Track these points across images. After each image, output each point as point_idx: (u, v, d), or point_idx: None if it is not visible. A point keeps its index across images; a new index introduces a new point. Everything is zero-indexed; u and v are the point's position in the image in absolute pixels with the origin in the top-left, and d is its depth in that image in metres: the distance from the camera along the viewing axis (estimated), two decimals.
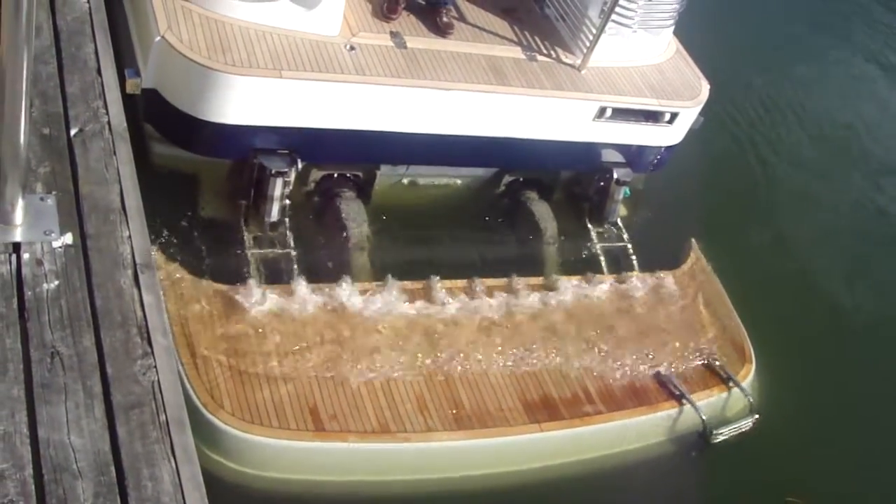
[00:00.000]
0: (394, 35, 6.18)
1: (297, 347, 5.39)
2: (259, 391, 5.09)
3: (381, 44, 6.08)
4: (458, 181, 6.74)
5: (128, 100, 4.60)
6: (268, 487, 4.93)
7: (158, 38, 5.42)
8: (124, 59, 5.50)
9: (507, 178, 6.89)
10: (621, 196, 6.98)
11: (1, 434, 2.99)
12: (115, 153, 3.85)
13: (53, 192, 3.67)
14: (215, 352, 5.16)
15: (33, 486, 2.91)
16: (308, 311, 5.59)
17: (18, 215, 3.48)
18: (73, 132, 3.88)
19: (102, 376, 3.26)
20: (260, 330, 5.40)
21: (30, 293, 3.38)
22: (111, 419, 3.16)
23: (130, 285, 3.51)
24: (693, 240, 7.19)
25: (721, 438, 5.95)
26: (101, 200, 3.71)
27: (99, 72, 4.14)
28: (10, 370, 3.16)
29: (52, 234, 3.53)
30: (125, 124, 4.01)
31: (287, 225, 6.07)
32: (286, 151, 5.90)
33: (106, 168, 3.81)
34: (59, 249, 3.52)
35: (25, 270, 3.42)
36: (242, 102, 5.58)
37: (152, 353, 3.35)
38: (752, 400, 6.15)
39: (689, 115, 6.86)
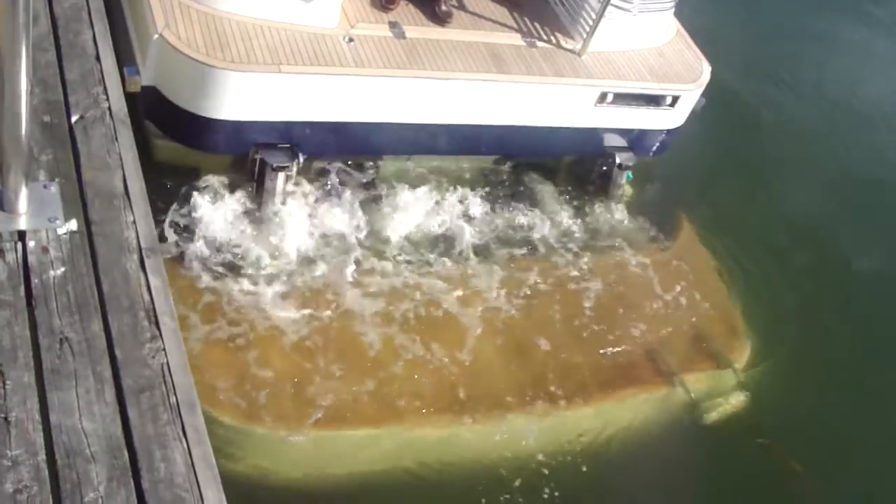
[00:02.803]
0: (392, 25, 6.16)
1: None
2: (255, 382, 5.10)
3: (380, 34, 6.06)
4: (465, 165, 6.75)
5: (128, 98, 4.57)
6: (265, 480, 4.89)
7: (156, 35, 5.41)
8: (123, 57, 5.49)
9: (509, 164, 6.89)
10: (624, 180, 6.98)
11: (13, 421, 2.98)
12: (116, 139, 3.84)
13: (56, 180, 3.65)
14: (209, 344, 5.18)
15: (47, 472, 2.90)
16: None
17: (22, 203, 3.46)
18: (74, 119, 3.87)
19: (112, 361, 3.24)
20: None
21: (36, 280, 3.36)
22: (122, 403, 3.15)
23: (136, 269, 3.49)
24: (686, 218, 7.23)
25: (711, 417, 5.92)
26: (104, 186, 3.69)
27: (98, 58, 4.12)
28: (19, 357, 3.15)
29: (57, 221, 3.51)
30: (126, 110, 4.00)
31: None
32: (287, 145, 5.90)
33: (108, 154, 3.79)
34: (65, 236, 3.50)
35: (31, 258, 3.41)
36: (242, 98, 5.57)
37: (161, 336, 3.34)
38: (742, 378, 6.14)
39: (690, 98, 6.83)
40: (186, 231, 5.73)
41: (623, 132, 6.85)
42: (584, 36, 6.52)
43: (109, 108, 3.94)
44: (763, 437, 5.82)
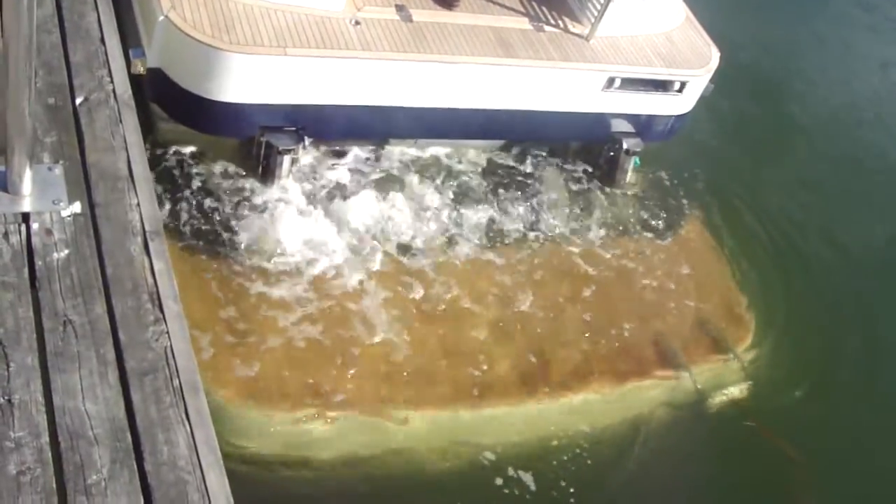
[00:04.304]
0: (399, 9, 6.13)
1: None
2: (258, 366, 5.12)
3: (387, 18, 6.04)
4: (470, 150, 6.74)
5: (133, 80, 4.57)
6: (267, 464, 4.92)
7: (162, 17, 5.40)
8: (129, 39, 5.47)
9: (516, 149, 6.87)
10: (631, 166, 6.95)
11: (17, 403, 2.97)
12: (121, 121, 3.82)
13: (61, 162, 3.64)
14: (214, 326, 5.20)
15: (50, 454, 2.89)
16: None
17: (27, 186, 3.44)
18: (78, 101, 3.85)
19: (115, 343, 3.23)
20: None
21: (40, 263, 3.35)
22: (125, 385, 3.14)
23: (140, 252, 3.48)
24: (693, 205, 7.22)
25: (715, 405, 5.94)
26: (108, 168, 3.67)
27: (102, 40, 4.10)
28: (23, 339, 3.14)
29: (61, 204, 3.50)
30: (130, 92, 3.97)
31: None
32: (293, 129, 5.89)
33: (112, 136, 3.77)
34: (68, 218, 3.49)
35: (35, 240, 3.40)
36: (248, 81, 5.56)
37: (164, 319, 3.32)
38: (746, 366, 6.16)
39: (699, 83, 6.80)
40: (191, 214, 5.73)
41: (630, 117, 6.82)
42: (593, 20, 6.48)
43: (114, 91, 3.92)
44: (753, 419, 5.86)
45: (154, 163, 4.35)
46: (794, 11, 10.18)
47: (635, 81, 6.54)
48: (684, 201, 7.25)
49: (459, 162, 6.68)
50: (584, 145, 7.06)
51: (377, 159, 6.42)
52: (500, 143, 6.84)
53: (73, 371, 3.12)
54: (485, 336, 5.75)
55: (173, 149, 5.93)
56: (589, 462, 5.38)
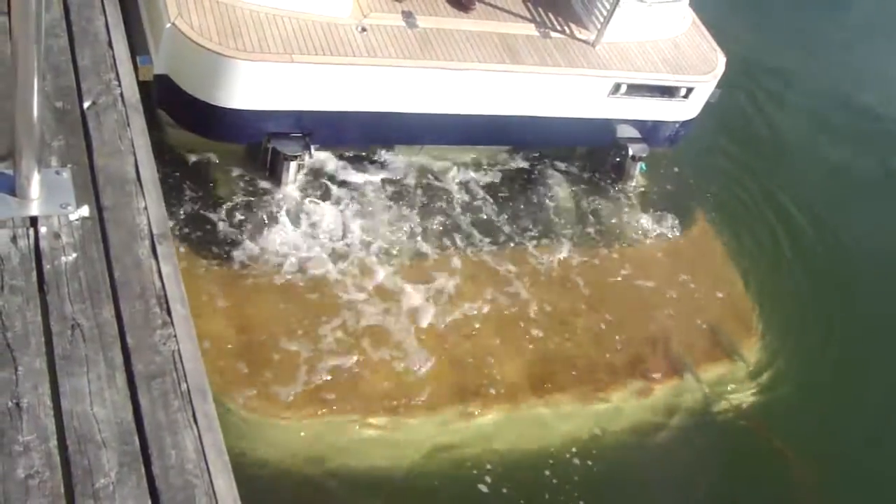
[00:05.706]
0: (406, 15, 6.15)
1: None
2: (265, 371, 5.12)
3: (393, 24, 6.05)
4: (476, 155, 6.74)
5: (140, 86, 4.57)
6: (275, 468, 4.90)
7: (169, 24, 5.42)
8: (136, 46, 5.49)
9: (522, 155, 6.87)
10: (637, 171, 6.96)
11: (25, 406, 2.95)
12: (128, 125, 3.81)
13: (68, 166, 3.62)
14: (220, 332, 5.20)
15: (58, 458, 2.87)
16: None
17: (34, 189, 3.43)
18: (86, 105, 3.84)
19: (123, 347, 3.21)
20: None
21: (48, 266, 3.34)
22: (133, 389, 3.12)
23: (148, 256, 3.46)
24: (700, 210, 7.23)
25: (722, 410, 5.93)
26: (116, 172, 3.66)
27: (110, 44, 4.09)
28: (31, 343, 3.12)
29: (69, 207, 3.48)
30: (138, 96, 3.96)
31: None
32: (299, 135, 5.90)
33: (120, 140, 3.76)
34: (76, 222, 3.47)
35: (43, 244, 3.38)
36: (254, 87, 5.57)
37: (172, 322, 3.30)
38: (753, 370, 6.14)
39: (705, 89, 6.80)
40: (197, 220, 5.73)
41: (637, 123, 6.82)
42: (599, 26, 6.49)
43: (121, 95, 3.91)
44: (750, 420, 5.85)
45: (160, 169, 4.36)
46: (801, 15, 10.19)
47: (641, 87, 6.55)
48: (691, 205, 7.26)
49: (465, 168, 6.69)
50: (590, 151, 7.06)
51: (383, 165, 6.43)
52: (505, 148, 6.83)
53: (81, 375, 3.10)
54: (490, 342, 5.74)
55: (180, 154, 5.94)
56: (596, 468, 5.36)
